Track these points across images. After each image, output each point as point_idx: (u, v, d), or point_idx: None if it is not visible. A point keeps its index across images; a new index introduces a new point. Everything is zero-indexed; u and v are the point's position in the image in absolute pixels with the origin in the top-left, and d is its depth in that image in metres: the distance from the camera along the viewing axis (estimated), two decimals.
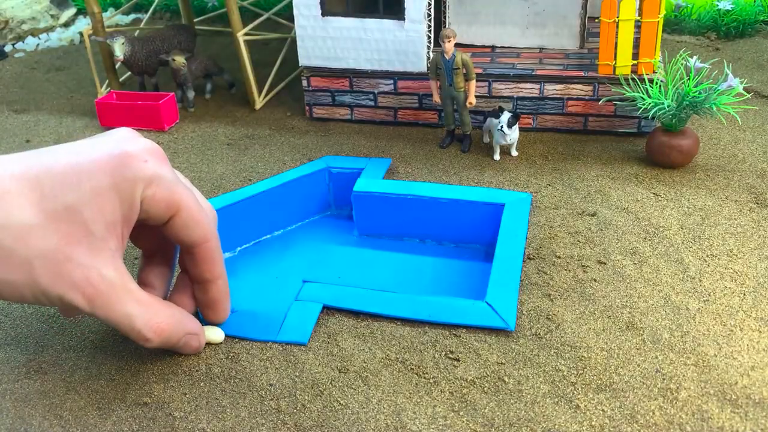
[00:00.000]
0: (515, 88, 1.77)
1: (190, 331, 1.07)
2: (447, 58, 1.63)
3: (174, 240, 1.05)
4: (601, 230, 1.36)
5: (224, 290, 1.12)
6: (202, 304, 1.13)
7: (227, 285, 1.13)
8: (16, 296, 0.92)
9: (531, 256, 1.30)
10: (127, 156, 0.95)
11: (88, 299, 0.93)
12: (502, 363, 1.05)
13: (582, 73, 1.73)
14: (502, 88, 1.78)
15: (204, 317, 1.14)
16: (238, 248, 1.51)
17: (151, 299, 1.01)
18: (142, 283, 1.14)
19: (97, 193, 0.92)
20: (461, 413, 0.97)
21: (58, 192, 0.90)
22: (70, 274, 0.91)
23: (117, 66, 2.18)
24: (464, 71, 1.65)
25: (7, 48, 2.85)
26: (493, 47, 1.96)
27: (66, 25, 3.13)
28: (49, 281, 0.91)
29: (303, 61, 1.89)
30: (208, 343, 1.12)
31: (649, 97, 1.56)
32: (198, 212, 1.02)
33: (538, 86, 1.76)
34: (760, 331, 1.09)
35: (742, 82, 1.59)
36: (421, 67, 1.80)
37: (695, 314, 1.13)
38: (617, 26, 1.66)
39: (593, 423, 0.95)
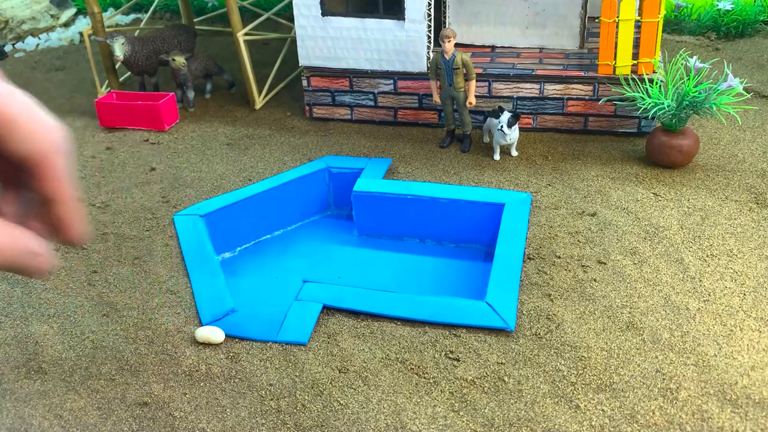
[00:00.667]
0: (515, 88, 1.77)
1: (33, 249, 0.97)
2: (447, 58, 1.63)
3: (12, 157, 0.98)
4: (601, 230, 1.36)
5: (73, 207, 1.03)
6: (52, 227, 1.05)
7: (76, 202, 1.04)
8: None
9: (531, 256, 1.30)
10: None
11: None
12: (502, 363, 1.05)
13: (582, 73, 1.73)
14: (502, 88, 1.78)
15: (60, 242, 1.07)
16: (238, 248, 1.51)
17: None
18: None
19: None
20: (461, 413, 0.97)
21: None
22: None
23: (117, 66, 2.18)
24: (464, 71, 1.65)
25: (7, 48, 2.85)
26: (493, 47, 1.96)
27: (66, 25, 3.13)
28: None
29: (303, 61, 1.89)
30: (208, 344, 1.12)
31: (649, 97, 1.56)
32: (31, 122, 0.96)
33: (538, 86, 1.76)
34: (760, 331, 1.09)
35: (742, 82, 1.59)
36: (421, 67, 1.80)
37: (695, 314, 1.13)
38: (617, 26, 1.66)
39: (593, 423, 0.95)
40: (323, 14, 1.81)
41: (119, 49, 2.02)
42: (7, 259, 1.03)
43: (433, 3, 1.74)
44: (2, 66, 2.63)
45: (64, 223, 1.14)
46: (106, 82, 2.21)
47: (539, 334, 1.11)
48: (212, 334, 1.12)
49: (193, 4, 3.02)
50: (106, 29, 2.13)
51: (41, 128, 1.03)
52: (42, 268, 1.10)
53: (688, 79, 1.54)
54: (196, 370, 1.08)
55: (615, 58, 1.69)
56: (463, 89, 1.67)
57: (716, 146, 1.67)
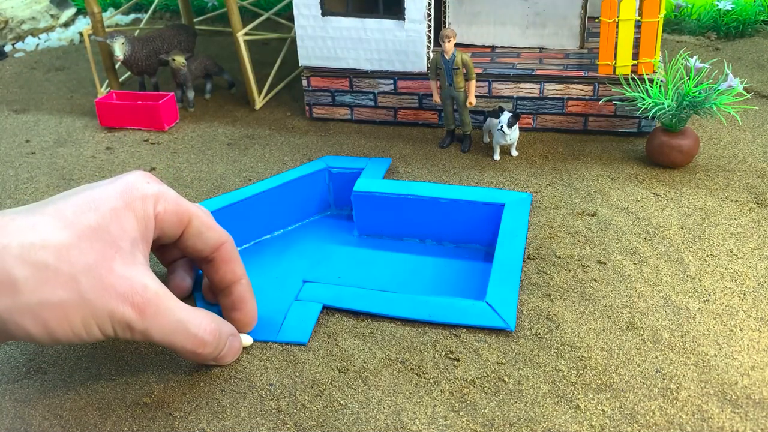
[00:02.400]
0: (515, 88, 1.77)
1: (232, 332, 1.08)
2: (447, 58, 1.63)
3: (192, 252, 1.10)
4: (601, 230, 1.36)
5: (249, 289, 1.14)
6: (229, 310, 1.13)
7: (250, 285, 1.15)
8: (65, 322, 0.91)
9: (531, 256, 1.30)
10: (133, 181, 1.02)
11: (138, 309, 0.94)
12: (502, 363, 1.05)
13: (582, 73, 1.73)
14: (502, 88, 1.78)
15: (233, 324, 1.12)
16: (238, 248, 1.51)
17: (190, 306, 1.03)
18: (178, 289, 1.21)
19: (116, 213, 0.97)
20: (461, 413, 0.97)
21: (81, 217, 0.95)
22: (115, 286, 0.93)
23: (117, 66, 2.18)
24: (464, 71, 1.65)
25: (7, 48, 2.85)
26: (493, 47, 1.96)
27: (66, 25, 3.13)
28: (96, 295, 0.91)
29: (303, 61, 1.89)
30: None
31: (649, 97, 1.56)
32: (207, 218, 1.09)
33: (538, 86, 1.76)
34: (760, 331, 1.09)
35: (742, 82, 1.59)
36: (421, 67, 1.80)
37: (695, 314, 1.13)
38: (617, 26, 1.66)
39: (593, 423, 0.94)
40: (323, 14, 1.81)
41: (119, 49, 2.02)
42: (222, 341, 1.12)
43: (433, 3, 1.74)
44: (2, 66, 2.64)
45: (242, 301, 1.23)
46: (106, 82, 2.21)
47: (539, 334, 1.11)
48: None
49: (193, 4, 3.02)
50: (106, 29, 2.13)
51: (215, 226, 1.09)
52: (240, 348, 1.19)
53: (688, 79, 1.54)
54: (196, 370, 1.08)
55: (615, 58, 1.69)
56: (463, 89, 1.67)
57: (716, 146, 1.67)
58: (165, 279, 1.24)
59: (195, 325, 1.00)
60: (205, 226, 1.08)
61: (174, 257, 1.24)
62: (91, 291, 0.91)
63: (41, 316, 0.89)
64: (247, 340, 1.12)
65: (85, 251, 0.92)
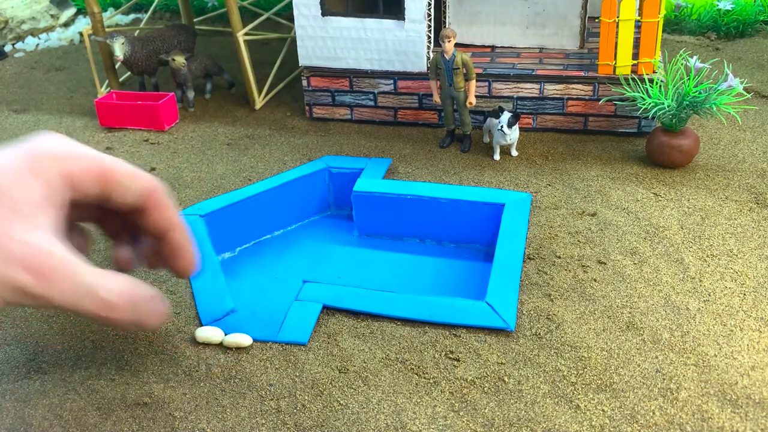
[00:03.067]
0: (515, 88, 1.77)
1: (152, 294, 1.00)
2: (447, 58, 1.63)
3: (123, 206, 1.02)
4: (601, 230, 1.36)
5: (185, 235, 1.07)
6: (167, 258, 1.08)
7: (187, 233, 1.08)
8: None
9: (531, 256, 1.30)
10: (44, 142, 0.95)
11: (38, 275, 0.87)
12: (502, 363, 1.05)
13: (582, 73, 1.73)
14: (502, 88, 1.78)
15: (174, 272, 1.09)
16: (238, 248, 1.51)
17: (100, 269, 0.95)
18: (119, 262, 1.12)
19: (19, 175, 0.90)
20: (461, 413, 0.97)
21: None
22: (15, 252, 0.87)
23: (117, 66, 2.18)
24: (464, 71, 1.65)
25: (7, 48, 2.85)
26: (493, 47, 1.96)
27: (66, 25, 3.13)
28: None
29: (303, 61, 1.89)
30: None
31: (649, 97, 1.56)
32: (131, 168, 1.01)
33: (538, 86, 1.76)
34: (760, 331, 1.09)
35: (742, 82, 1.59)
36: (421, 67, 1.80)
37: (695, 314, 1.13)
38: (617, 26, 1.66)
39: (593, 423, 0.95)
40: (323, 14, 1.81)
41: (119, 49, 2.02)
42: (138, 304, 1.03)
43: (433, 3, 1.74)
44: (2, 66, 2.64)
45: (181, 248, 1.16)
46: (106, 82, 2.21)
47: (539, 334, 1.11)
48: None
49: (193, 4, 3.02)
50: (106, 29, 2.13)
51: (138, 174, 0.98)
52: (159, 313, 1.10)
53: (688, 79, 1.54)
54: (196, 370, 1.08)
55: (615, 58, 1.69)
56: (463, 89, 1.67)
57: (716, 146, 1.67)
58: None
59: (104, 289, 0.92)
60: (126, 177, 1.00)
61: (115, 227, 1.14)
62: None
63: None
64: (245, 339, 1.12)
65: None
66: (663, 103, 1.53)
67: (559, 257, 1.29)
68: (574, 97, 1.74)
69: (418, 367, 1.05)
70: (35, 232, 0.89)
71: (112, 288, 0.93)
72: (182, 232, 1.07)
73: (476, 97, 1.73)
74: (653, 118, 1.63)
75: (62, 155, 0.95)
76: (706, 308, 1.14)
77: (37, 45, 2.88)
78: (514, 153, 1.68)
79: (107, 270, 0.97)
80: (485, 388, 1.01)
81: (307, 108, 1.95)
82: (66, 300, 0.90)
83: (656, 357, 1.05)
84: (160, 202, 1.04)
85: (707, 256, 1.27)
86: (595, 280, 1.22)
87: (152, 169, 1.72)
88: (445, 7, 1.93)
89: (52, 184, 0.93)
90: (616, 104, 1.72)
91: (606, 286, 1.21)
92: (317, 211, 1.63)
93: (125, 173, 1.00)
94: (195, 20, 2.64)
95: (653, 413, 0.95)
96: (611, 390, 1.00)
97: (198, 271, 1.27)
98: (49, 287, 0.88)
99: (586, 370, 1.03)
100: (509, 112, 1.62)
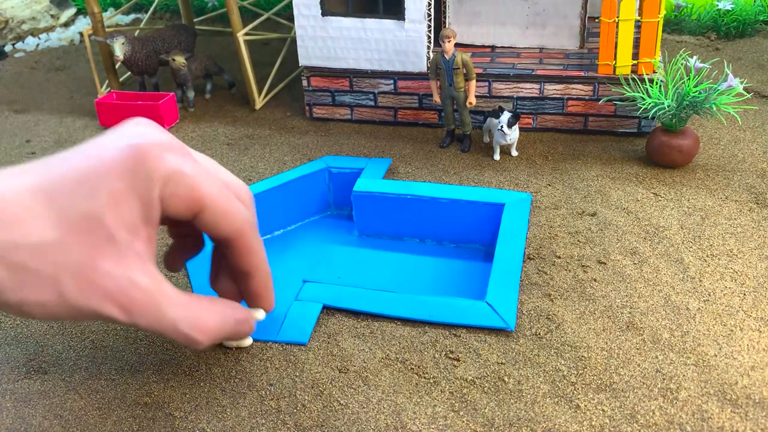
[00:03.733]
0: (515, 88, 1.77)
1: (238, 320, 1.02)
2: (447, 58, 1.63)
3: (205, 233, 0.99)
4: (601, 230, 1.36)
5: (266, 280, 1.06)
6: (245, 297, 1.08)
7: (269, 274, 1.06)
8: (50, 316, 0.87)
9: (531, 256, 1.30)
10: (143, 154, 0.88)
11: (124, 309, 0.88)
12: (502, 363, 1.05)
13: (582, 73, 1.73)
14: (502, 88, 1.78)
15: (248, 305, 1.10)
16: None
17: (191, 299, 0.96)
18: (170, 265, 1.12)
19: (115, 198, 0.86)
20: (461, 413, 0.97)
21: (75, 202, 0.85)
22: (100, 286, 0.86)
23: (117, 66, 2.18)
24: (464, 71, 1.65)
25: (7, 48, 2.85)
26: (493, 47, 1.96)
27: (66, 25, 3.13)
28: (80, 296, 0.85)
29: (303, 61, 1.89)
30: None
31: (649, 97, 1.56)
32: (226, 204, 0.95)
33: (538, 86, 1.76)
34: (760, 331, 1.09)
35: (742, 82, 1.59)
36: (421, 67, 1.80)
37: (695, 314, 1.13)
38: (617, 26, 1.66)
39: (593, 423, 0.95)
40: (323, 14, 1.81)
41: (119, 49, 2.02)
42: (222, 335, 1.04)
43: (433, 3, 1.74)
44: (2, 66, 2.64)
45: (257, 294, 1.15)
46: (106, 82, 2.21)
47: (539, 334, 1.11)
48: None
49: (193, 4, 3.03)
50: (106, 29, 2.13)
51: (234, 210, 0.96)
52: (251, 330, 1.11)
53: (688, 79, 1.54)
54: (196, 370, 1.08)
55: (615, 58, 1.69)
56: (463, 89, 1.67)
57: (716, 146, 1.67)
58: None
59: (187, 325, 0.93)
60: (221, 216, 0.94)
61: (183, 232, 1.12)
62: (73, 292, 0.85)
63: (23, 311, 0.86)
64: (245, 339, 1.12)
65: (70, 248, 0.84)
66: (663, 103, 1.53)
67: (559, 257, 1.29)
68: (574, 97, 1.74)
69: (418, 367, 1.05)
70: (124, 261, 0.88)
71: (193, 323, 0.94)
72: (261, 280, 1.05)
73: (476, 97, 1.74)
74: (653, 118, 1.63)
75: (164, 177, 0.89)
76: (706, 308, 1.14)
77: (37, 45, 2.88)
78: (514, 153, 1.68)
79: (192, 297, 0.96)
80: (485, 388, 1.01)
81: (307, 108, 1.95)
82: (151, 328, 0.92)
83: (656, 357, 1.05)
84: (247, 247, 1.00)
85: (707, 256, 1.27)
86: (595, 280, 1.22)
87: None
88: (445, 7, 1.93)
89: (148, 203, 0.89)
90: (616, 104, 1.72)
91: (606, 286, 1.21)
92: (317, 211, 1.63)
93: (219, 210, 0.95)
94: (195, 20, 2.65)
95: (653, 413, 0.95)
96: (611, 390, 1.00)
97: (196, 269, 1.27)
98: (133, 319, 0.90)
99: (586, 370, 1.03)
100: (509, 112, 1.62)
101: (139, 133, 0.91)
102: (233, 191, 1.03)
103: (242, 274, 1.04)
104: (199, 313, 0.95)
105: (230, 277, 1.09)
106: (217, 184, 0.95)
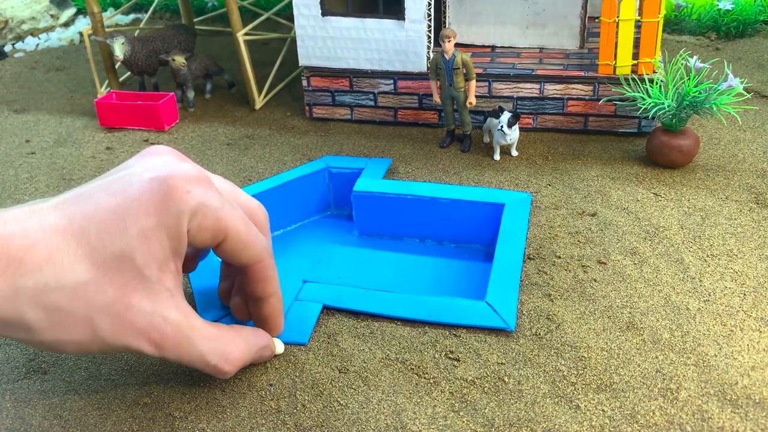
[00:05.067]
0: (515, 88, 1.77)
1: (261, 347, 1.04)
2: (447, 58, 1.63)
3: (223, 258, 1.02)
4: (601, 230, 1.36)
5: (277, 307, 1.08)
6: (254, 318, 1.10)
7: (281, 301, 1.08)
8: (82, 351, 0.90)
9: (531, 256, 1.30)
10: (170, 189, 0.88)
11: (155, 345, 0.91)
12: (502, 363, 1.05)
13: (582, 73, 1.73)
14: (502, 88, 1.78)
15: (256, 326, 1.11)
16: None
17: (218, 331, 0.98)
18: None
19: (145, 235, 0.87)
20: (461, 413, 0.97)
21: (106, 242, 0.86)
22: (132, 323, 0.88)
23: (117, 66, 2.18)
24: (464, 71, 1.65)
25: (7, 48, 2.85)
26: (493, 47, 1.96)
27: (66, 25, 3.13)
28: (113, 334, 0.88)
29: (303, 61, 1.89)
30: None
31: (649, 97, 1.56)
32: (247, 234, 0.97)
33: (538, 86, 1.76)
34: (761, 331, 1.09)
35: (742, 82, 1.59)
36: (421, 67, 1.80)
37: (695, 314, 1.13)
38: (617, 26, 1.66)
39: (593, 423, 0.94)
40: (323, 14, 1.81)
41: (119, 49, 2.02)
42: (247, 362, 1.02)
43: (433, 3, 1.74)
44: (2, 66, 2.63)
45: (268, 319, 1.17)
46: (106, 82, 2.21)
47: (539, 334, 1.11)
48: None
49: (193, 4, 3.02)
50: (106, 29, 2.13)
51: (253, 240, 0.98)
52: (272, 355, 1.08)
53: (689, 79, 1.54)
54: (196, 371, 1.07)
55: (615, 58, 1.69)
56: (463, 89, 1.67)
57: (716, 146, 1.67)
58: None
59: (215, 357, 0.96)
60: (242, 244, 0.96)
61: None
62: (107, 330, 0.87)
63: (57, 348, 0.89)
64: (279, 347, 1.10)
65: (103, 288, 0.86)
66: (663, 103, 1.53)
67: (559, 257, 1.29)
68: (574, 97, 1.74)
69: (418, 367, 1.05)
70: (155, 297, 0.90)
71: (221, 354, 0.97)
72: (274, 306, 1.07)
73: (476, 97, 1.73)
74: (653, 118, 1.63)
75: (191, 210, 0.90)
76: (706, 308, 1.14)
77: (37, 45, 2.88)
78: (514, 153, 1.68)
79: (220, 329, 0.99)
80: (485, 388, 1.01)
81: (307, 108, 1.95)
82: (180, 360, 0.96)
83: (656, 357, 1.05)
84: (262, 274, 1.02)
85: (707, 256, 1.27)
86: (595, 280, 1.22)
87: None
88: (445, 7, 1.93)
89: (177, 237, 0.90)
90: (616, 104, 1.72)
91: (606, 286, 1.21)
92: (317, 211, 1.63)
93: (240, 241, 0.96)
94: (195, 20, 2.65)
95: (653, 413, 0.95)
96: (611, 390, 0.99)
97: (196, 269, 1.27)
98: (164, 353, 0.93)
99: (586, 370, 1.03)
100: (509, 112, 1.62)
101: (162, 164, 0.92)
102: (251, 215, 1.06)
103: (255, 298, 1.07)
104: (226, 345, 0.98)
105: (241, 296, 1.11)
106: (239, 215, 0.97)
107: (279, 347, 1.10)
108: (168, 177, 0.89)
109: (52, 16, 3.09)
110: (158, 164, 0.92)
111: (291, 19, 2.09)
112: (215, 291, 1.24)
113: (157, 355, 0.93)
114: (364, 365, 1.07)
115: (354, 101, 1.90)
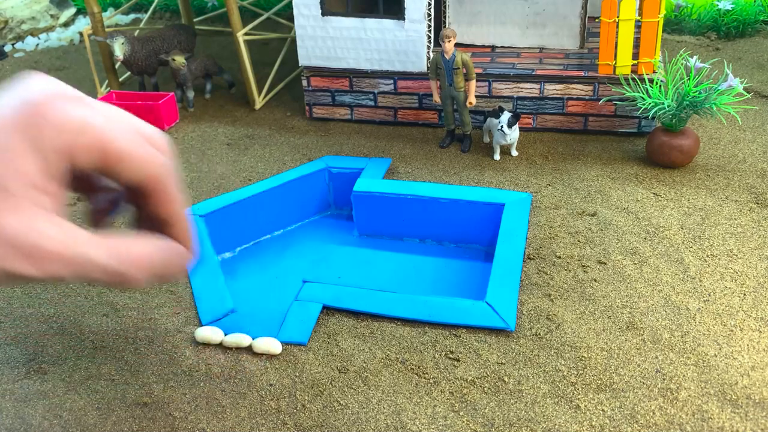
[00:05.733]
0: (515, 88, 1.77)
1: (169, 248, 0.92)
2: (447, 58, 1.63)
3: (121, 184, 0.92)
4: (601, 230, 1.36)
5: (186, 229, 0.97)
6: None
7: (188, 223, 0.97)
8: None
9: (531, 256, 1.30)
10: (41, 104, 0.82)
11: (33, 261, 0.81)
12: (502, 363, 1.05)
13: (582, 73, 1.73)
14: (502, 88, 1.78)
15: None
16: (238, 248, 1.51)
17: (111, 235, 0.87)
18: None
19: (8, 152, 0.80)
20: (461, 413, 0.97)
21: None
22: (2, 240, 0.79)
23: (117, 66, 2.18)
24: (464, 71, 1.65)
25: (7, 48, 2.85)
26: (493, 47, 1.96)
27: (66, 25, 3.13)
28: None
29: (303, 61, 1.89)
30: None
31: (649, 97, 1.56)
32: (138, 151, 0.89)
33: (538, 86, 1.76)
34: (760, 331, 1.09)
35: (742, 82, 1.59)
36: (421, 67, 1.80)
37: (695, 314, 1.13)
38: (617, 26, 1.66)
39: (593, 423, 0.94)
40: (323, 14, 1.81)
41: (119, 49, 2.02)
42: (158, 265, 0.93)
43: (433, 3, 1.74)
44: (2, 66, 2.63)
45: (179, 242, 1.05)
46: (106, 82, 2.21)
47: (539, 334, 1.11)
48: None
49: (193, 4, 3.02)
50: (106, 29, 2.13)
51: (148, 155, 0.89)
52: (183, 267, 0.99)
53: (689, 79, 1.54)
54: (196, 370, 1.08)
55: (615, 58, 1.69)
56: (463, 89, 1.67)
57: (716, 146, 1.67)
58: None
59: (106, 256, 0.84)
60: (131, 161, 0.87)
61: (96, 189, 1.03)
62: None
63: None
64: (245, 339, 1.11)
65: None
66: (663, 103, 1.53)
67: (559, 257, 1.29)
68: (574, 97, 1.74)
69: (418, 367, 1.05)
70: (23, 212, 0.81)
71: (115, 254, 0.85)
72: (181, 228, 0.96)
73: (476, 97, 1.73)
74: (653, 118, 1.63)
75: (64, 128, 0.82)
76: (706, 308, 1.14)
77: (37, 45, 2.88)
78: (514, 153, 1.68)
79: (113, 234, 0.87)
80: (485, 388, 1.01)
81: (307, 108, 1.95)
82: (74, 275, 0.82)
83: (656, 357, 1.05)
84: (166, 193, 0.93)
85: (707, 256, 1.27)
86: (595, 280, 1.22)
87: None
88: (445, 7, 1.93)
89: (50, 158, 0.82)
90: (616, 104, 1.72)
91: (606, 286, 1.21)
92: (317, 211, 1.63)
93: (130, 156, 0.88)
94: (195, 20, 2.64)
95: (653, 413, 0.95)
96: (611, 390, 0.99)
97: (196, 269, 1.26)
98: (46, 269, 0.81)
99: (586, 370, 1.03)
100: (509, 112, 1.62)
101: (35, 87, 0.85)
102: (147, 138, 0.94)
103: (161, 223, 0.96)
104: (125, 245, 0.87)
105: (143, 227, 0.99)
106: (127, 130, 0.89)
107: (276, 347, 1.10)
108: (39, 92, 0.83)
109: (52, 16, 3.09)
110: (30, 86, 0.85)
111: (291, 19, 2.09)
112: (215, 291, 1.24)
113: (42, 275, 0.81)
114: (364, 365, 1.07)
115: (354, 101, 1.90)
